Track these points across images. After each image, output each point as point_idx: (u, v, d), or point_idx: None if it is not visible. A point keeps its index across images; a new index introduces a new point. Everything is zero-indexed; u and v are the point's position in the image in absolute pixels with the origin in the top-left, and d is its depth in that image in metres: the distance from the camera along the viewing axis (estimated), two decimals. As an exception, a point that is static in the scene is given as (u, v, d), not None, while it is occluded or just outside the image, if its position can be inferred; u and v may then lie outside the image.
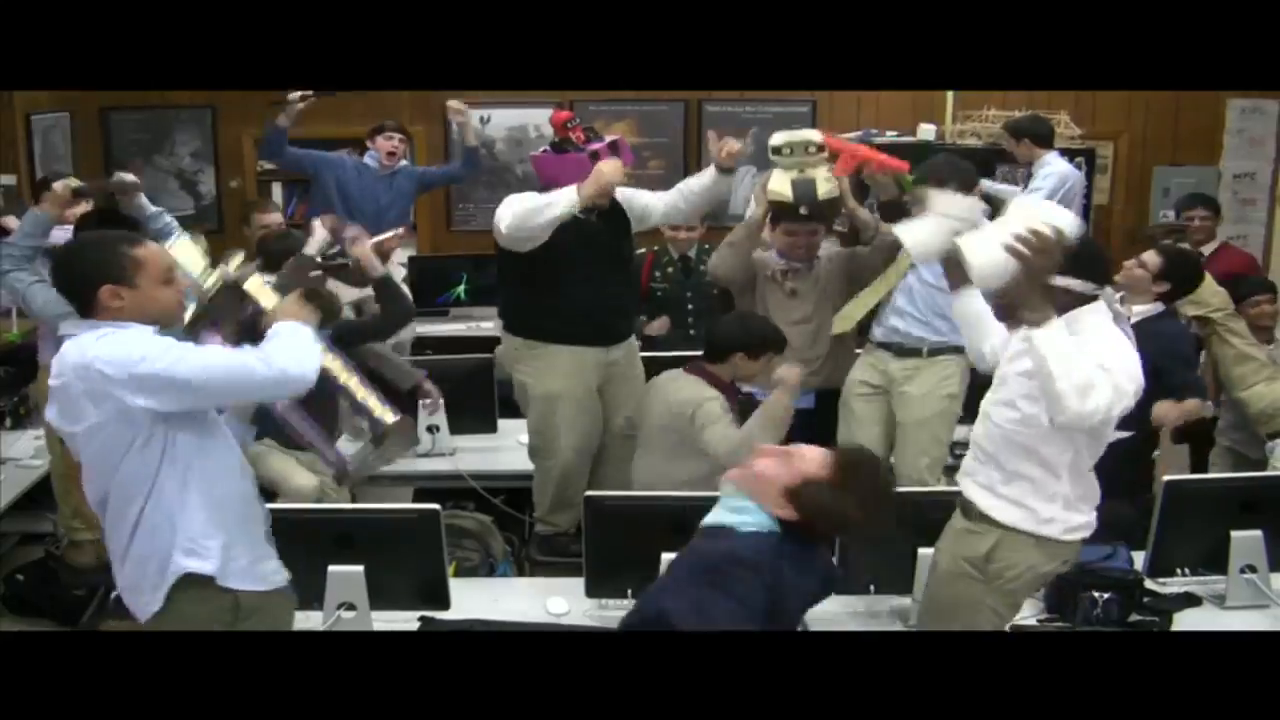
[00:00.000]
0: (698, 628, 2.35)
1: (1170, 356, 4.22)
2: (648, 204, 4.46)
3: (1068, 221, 2.79)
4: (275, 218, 5.46)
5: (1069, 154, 6.80)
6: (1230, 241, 6.49)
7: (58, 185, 4.15)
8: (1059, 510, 2.88)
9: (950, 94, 7.12)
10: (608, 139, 4.23)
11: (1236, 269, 5.72)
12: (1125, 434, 4.23)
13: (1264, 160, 7.86)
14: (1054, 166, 6.21)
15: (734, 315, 4.30)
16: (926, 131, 7.17)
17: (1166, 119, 7.69)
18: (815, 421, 4.38)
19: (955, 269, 3.12)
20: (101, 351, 2.50)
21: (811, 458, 2.56)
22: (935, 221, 3.12)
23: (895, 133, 7.24)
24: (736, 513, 2.57)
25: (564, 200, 3.95)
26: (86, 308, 2.59)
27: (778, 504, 2.51)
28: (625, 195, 4.41)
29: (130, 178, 4.46)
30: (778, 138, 4.28)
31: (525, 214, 3.98)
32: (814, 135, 4.28)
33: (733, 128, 7.51)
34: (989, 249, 2.81)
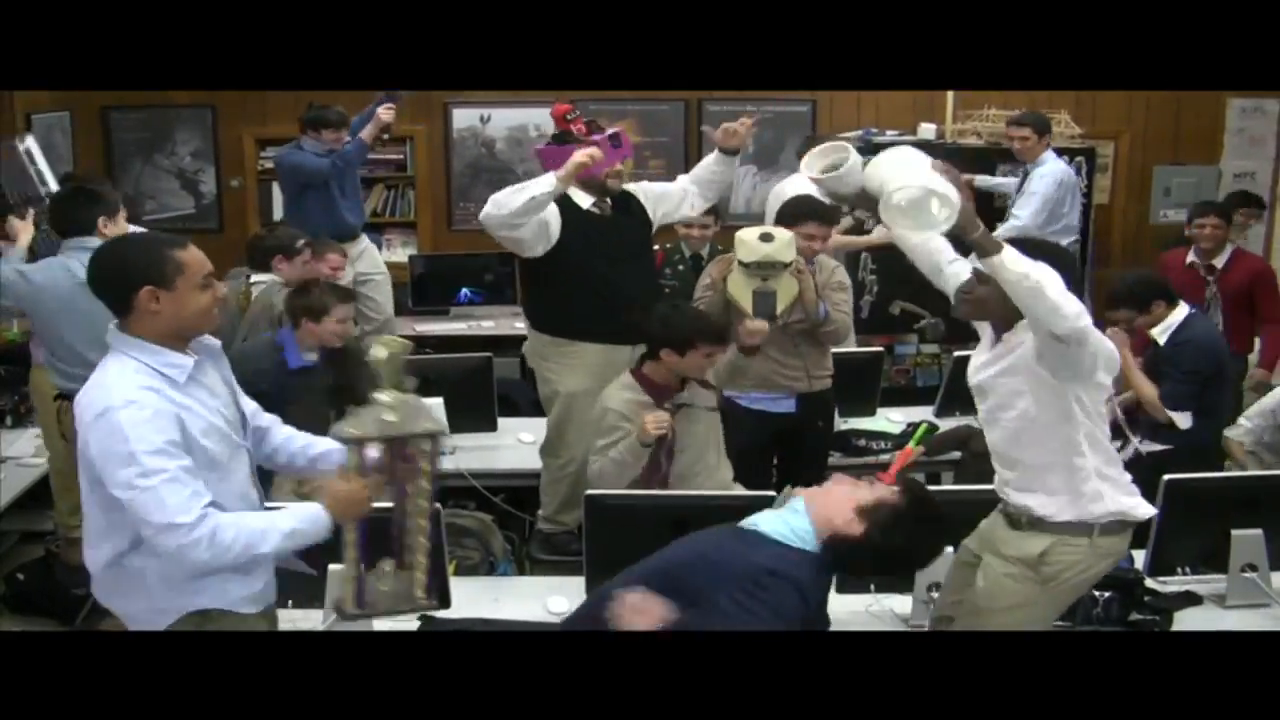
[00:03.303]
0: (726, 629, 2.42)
1: (1174, 363, 4.29)
2: (669, 192, 4.47)
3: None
4: (336, 259, 5.42)
5: (1069, 153, 6.82)
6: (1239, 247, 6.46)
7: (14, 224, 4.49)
8: (1096, 484, 2.89)
9: (951, 93, 7.12)
10: (609, 130, 4.24)
11: (1253, 276, 5.69)
12: (1162, 447, 4.30)
13: (1264, 160, 7.86)
14: (1049, 168, 6.23)
15: (662, 308, 4.00)
16: (927, 131, 7.17)
17: (1167, 118, 7.70)
18: (796, 425, 4.40)
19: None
20: (105, 427, 2.44)
21: (885, 487, 2.71)
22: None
23: (895, 132, 7.25)
24: (784, 524, 2.67)
25: (539, 184, 3.95)
26: (124, 309, 2.54)
27: (846, 519, 2.62)
28: (652, 191, 4.43)
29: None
30: (749, 254, 4.09)
31: (502, 199, 3.99)
32: (787, 254, 4.12)
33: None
34: (913, 171, 2.73)
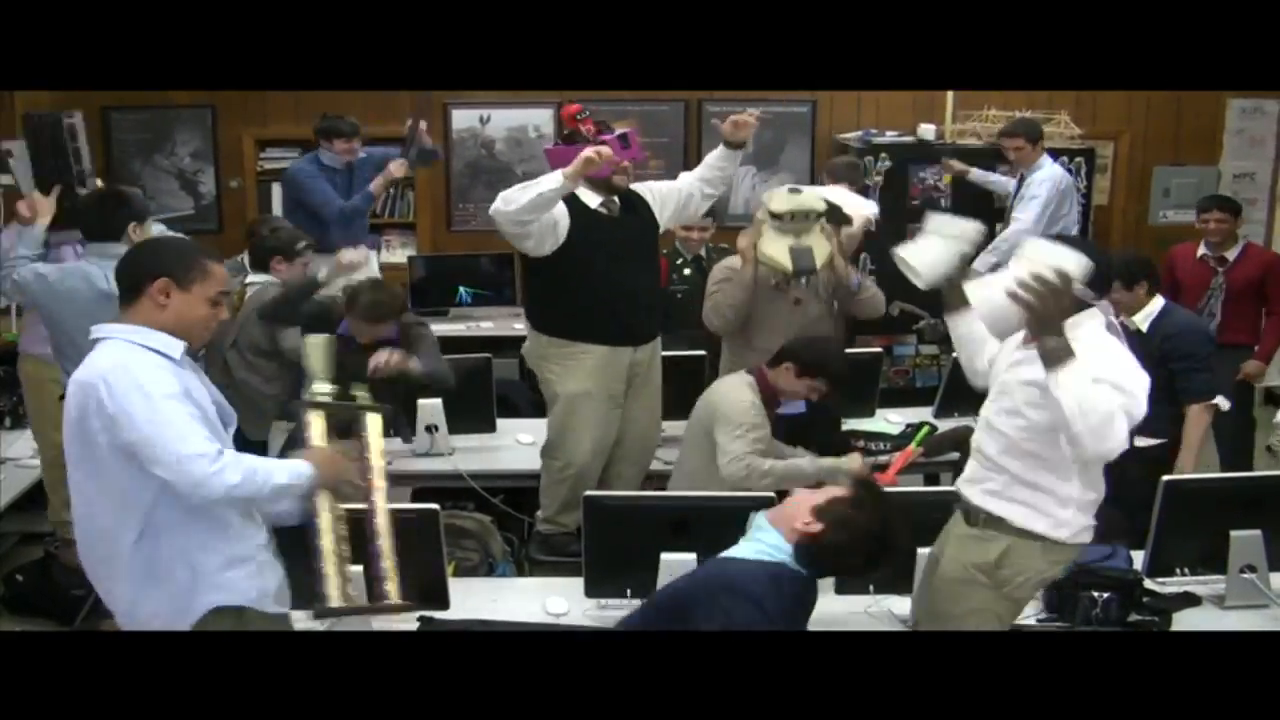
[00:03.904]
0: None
1: (1181, 356, 4.29)
2: (677, 189, 4.46)
3: (1075, 264, 2.74)
4: (360, 254, 5.16)
5: (1069, 154, 6.83)
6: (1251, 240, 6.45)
7: (20, 206, 4.33)
8: (1072, 514, 2.89)
9: (950, 94, 7.12)
10: (618, 131, 4.24)
11: (1263, 270, 5.71)
12: (1155, 441, 4.31)
13: (1264, 160, 7.86)
14: (1046, 172, 6.27)
15: (811, 335, 4.22)
16: (926, 131, 7.18)
17: (1167, 119, 7.69)
18: (806, 425, 4.39)
19: (953, 292, 3.15)
20: (114, 376, 2.51)
21: (836, 487, 2.80)
22: (936, 241, 3.15)
23: (895, 132, 7.25)
24: (754, 542, 2.74)
25: (549, 180, 3.94)
26: (134, 296, 2.61)
27: (805, 520, 2.68)
28: (658, 190, 4.43)
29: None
30: (780, 203, 4.14)
31: (511, 195, 3.97)
32: (818, 203, 4.16)
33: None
34: (994, 297, 2.79)
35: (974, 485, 3.01)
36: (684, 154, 7.61)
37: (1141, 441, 4.37)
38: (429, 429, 4.74)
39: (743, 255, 4.35)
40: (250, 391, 4.67)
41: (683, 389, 4.51)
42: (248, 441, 4.21)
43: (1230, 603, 3.47)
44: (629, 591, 3.33)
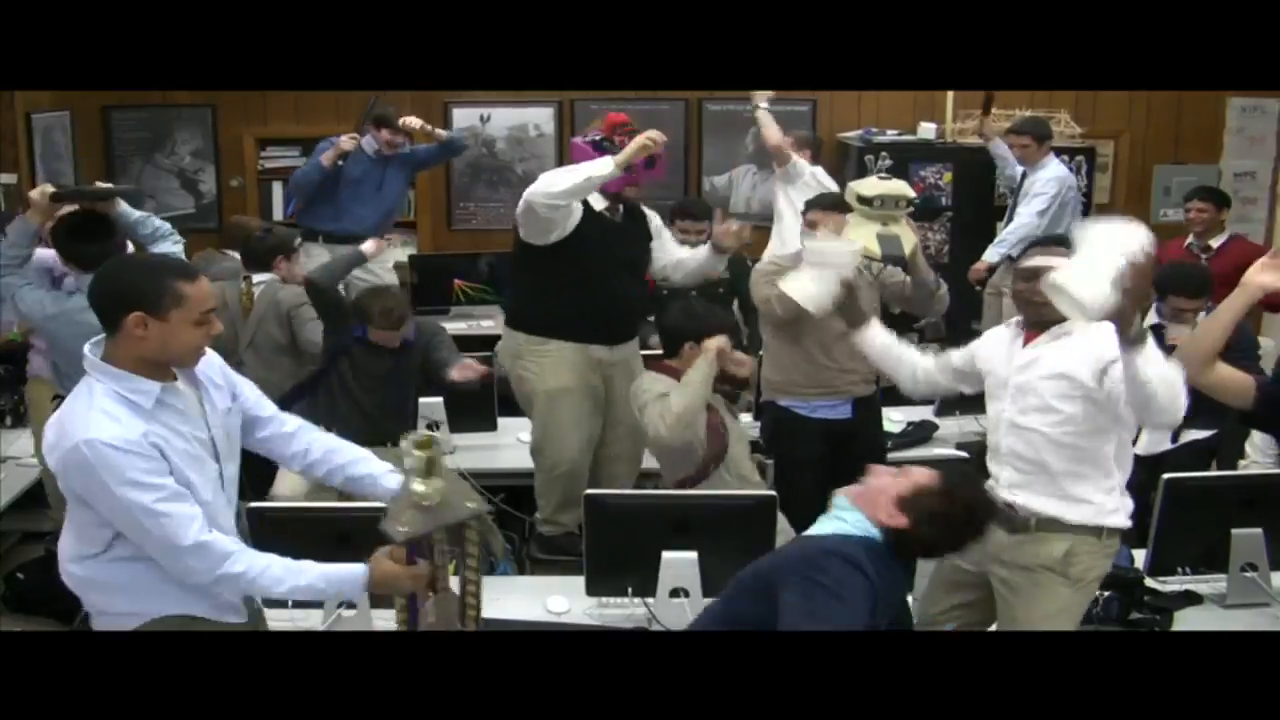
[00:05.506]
0: (809, 628, 2.37)
1: (1247, 345, 4.38)
2: (667, 248, 4.56)
3: (1146, 238, 2.68)
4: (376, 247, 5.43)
5: (1069, 153, 6.84)
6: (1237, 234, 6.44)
7: (34, 193, 4.17)
8: (1118, 498, 2.95)
9: (951, 93, 7.12)
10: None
11: (1245, 261, 5.70)
12: (1207, 433, 4.32)
13: (1264, 159, 7.86)
14: (1052, 171, 6.29)
15: (678, 306, 4.03)
16: (927, 131, 7.18)
17: (1167, 118, 7.70)
18: (853, 430, 4.37)
19: (849, 313, 3.26)
20: (75, 460, 2.43)
21: (921, 473, 2.64)
22: (816, 272, 3.21)
23: (896, 132, 7.25)
24: (837, 520, 2.64)
25: (598, 166, 3.98)
26: (112, 329, 2.51)
27: (888, 512, 2.57)
28: (662, 235, 4.53)
29: (109, 187, 4.43)
30: (869, 188, 4.08)
31: (554, 179, 4.01)
32: (907, 189, 4.12)
33: (733, 130, 7.58)
34: (1094, 284, 2.64)
35: (1020, 491, 3.01)
36: (684, 154, 7.62)
37: (1195, 434, 4.40)
38: (430, 427, 4.74)
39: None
40: (269, 390, 4.68)
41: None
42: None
43: (1231, 601, 3.47)
44: (630, 590, 3.34)
